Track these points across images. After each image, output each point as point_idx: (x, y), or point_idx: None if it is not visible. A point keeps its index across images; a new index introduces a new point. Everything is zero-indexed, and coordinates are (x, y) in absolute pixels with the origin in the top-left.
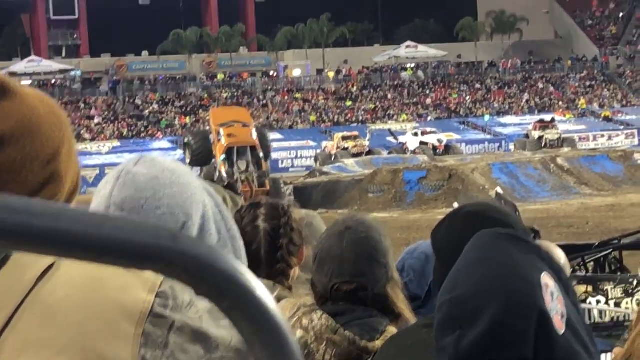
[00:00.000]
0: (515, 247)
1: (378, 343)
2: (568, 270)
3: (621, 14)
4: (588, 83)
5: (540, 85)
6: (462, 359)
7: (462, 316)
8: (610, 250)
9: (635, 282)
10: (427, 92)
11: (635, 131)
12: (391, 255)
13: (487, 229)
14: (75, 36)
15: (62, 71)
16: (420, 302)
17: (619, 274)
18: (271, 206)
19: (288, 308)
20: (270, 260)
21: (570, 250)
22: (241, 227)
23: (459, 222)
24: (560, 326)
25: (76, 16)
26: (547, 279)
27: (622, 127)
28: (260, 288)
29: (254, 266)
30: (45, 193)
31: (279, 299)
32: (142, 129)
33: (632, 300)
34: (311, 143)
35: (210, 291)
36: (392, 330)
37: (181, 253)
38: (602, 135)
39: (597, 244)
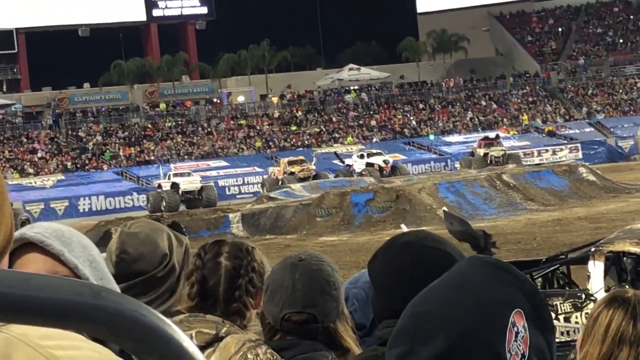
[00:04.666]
0: (497, 278)
1: None
2: None
3: (560, 29)
4: (530, 99)
5: (483, 103)
6: None
7: (416, 333)
8: (557, 266)
9: (583, 296)
10: (372, 113)
11: (579, 145)
12: (342, 291)
13: (478, 255)
14: (15, 70)
15: (3, 106)
16: (366, 330)
17: (567, 288)
18: (235, 245)
19: (233, 343)
20: (228, 298)
21: (518, 266)
22: (203, 262)
23: (394, 253)
24: None
25: (15, 50)
26: (517, 317)
27: (565, 142)
28: (186, 341)
29: (210, 302)
30: None
31: (226, 335)
32: (87, 161)
33: (581, 314)
34: (257, 169)
35: (136, 347)
36: None
37: (104, 309)
38: (546, 150)
39: (544, 259)
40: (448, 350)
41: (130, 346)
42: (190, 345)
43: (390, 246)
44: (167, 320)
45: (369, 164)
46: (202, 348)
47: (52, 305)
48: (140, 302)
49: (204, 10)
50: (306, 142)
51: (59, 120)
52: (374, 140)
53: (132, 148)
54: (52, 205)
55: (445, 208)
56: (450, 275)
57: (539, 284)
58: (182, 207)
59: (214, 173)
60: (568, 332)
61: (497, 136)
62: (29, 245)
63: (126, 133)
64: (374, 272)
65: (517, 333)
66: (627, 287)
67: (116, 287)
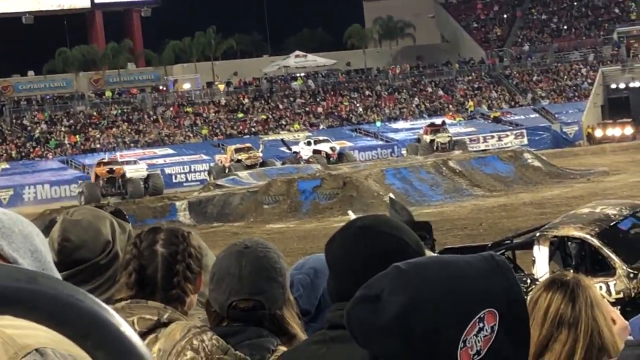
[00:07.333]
0: (491, 274)
1: None
2: None
3: (505, 16)
4: (476, 85)
5: (430, 90)
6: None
7: (389, 284)
8: (503, 251)
9: (529, 281)
10: (318, 100)
11: (524, 131)
12: (287, 277)
13: (496, 254)
14: None
15: None
16: (311, 316)
17: None
18: (170, 231)
19: (178, 330)
20: (166, 285)
21: (465, 252)
22: (139, 251)
23: (350, 236)
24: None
25: None
26: (489, 316)
27: (511, 128)
28: (124, 325)
29: (149, 290)
30: None
31: (169, 321)
32: (31, 150)
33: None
34: (204, 157)
35: (72, 331)
36: (282, 350)
37: (40, 294)
38: (492, 137)
39: (490, 244)
40: (408, 310)
41: (67, 331)
42: (129, 329)
43: (347, 228)
44: (105, 305)
45: (316, 151)
46: (144, 334)
47: None
48: (78, 288)
49: None
50: (253, 129)
51: (2, 109)
52: (321, 127)
53: (78, 136)
54: None
55: (391, 195)
56: (458, 258)
57: None
58: None
59: (160, 161)
60: None
61: (443, 122)
62: None
63: (71, 121)
64: (329, 253)
65: (480, 329)
66: (570, 270)
67: (58, 277)
